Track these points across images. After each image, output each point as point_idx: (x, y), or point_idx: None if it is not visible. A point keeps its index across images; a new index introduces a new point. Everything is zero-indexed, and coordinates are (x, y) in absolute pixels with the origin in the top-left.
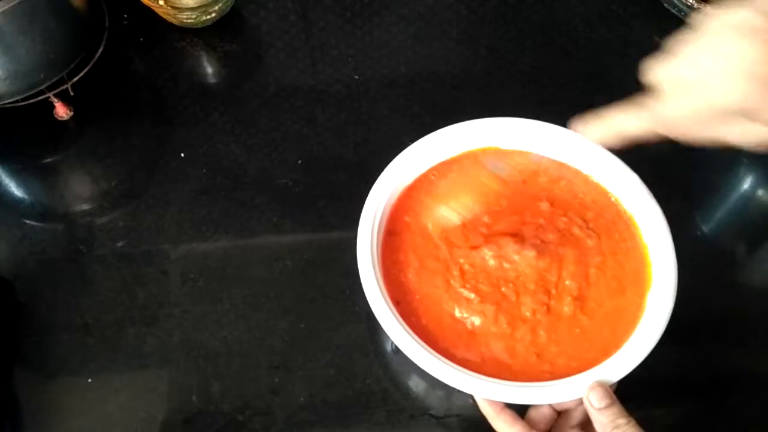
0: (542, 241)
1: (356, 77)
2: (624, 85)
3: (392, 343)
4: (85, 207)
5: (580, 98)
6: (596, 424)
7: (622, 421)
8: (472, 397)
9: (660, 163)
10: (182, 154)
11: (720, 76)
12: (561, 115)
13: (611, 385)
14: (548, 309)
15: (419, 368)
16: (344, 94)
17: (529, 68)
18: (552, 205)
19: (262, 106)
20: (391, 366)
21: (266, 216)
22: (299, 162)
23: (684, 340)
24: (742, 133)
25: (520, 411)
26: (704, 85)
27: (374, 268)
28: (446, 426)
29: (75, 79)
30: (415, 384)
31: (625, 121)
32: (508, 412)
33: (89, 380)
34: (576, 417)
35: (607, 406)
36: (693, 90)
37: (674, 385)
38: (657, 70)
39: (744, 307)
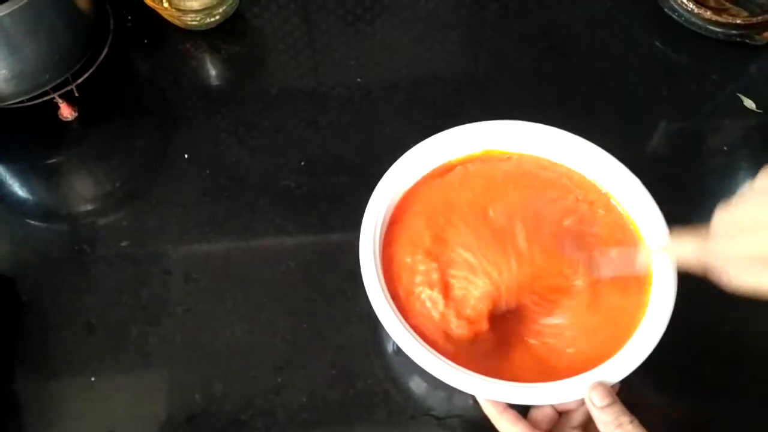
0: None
1: (358, 80)
2: (624, 88)
3: (394, 343)
4: (89, 207)
5: (580, 102)
6: (599, 424)
7: (625, 419)
8: (472, 397)
9: (660, 166)
10: (186, 156)
11: None
12: (561, 119)
13: (613, 386)
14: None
15: (420, 369)
16: (346, 97)
17: (530, 72)
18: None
19: (264, 108)
20: (393, 366)
21: (269, 217)
22: (302, 164)
23: (684, 343)
24: None
25: (522, 411)
26: (755, 233)
27: (376, 270)
28: (447, 427)
29: (80, 80)
30: (416, 384)
31: (682, 247)
32: (511, 412)
33: (92, 379)
34: (577, 418)
35: (609, 405)
36: (744, 235)
37: (674, 388)
38: (717, 215)
39: (743, 310)
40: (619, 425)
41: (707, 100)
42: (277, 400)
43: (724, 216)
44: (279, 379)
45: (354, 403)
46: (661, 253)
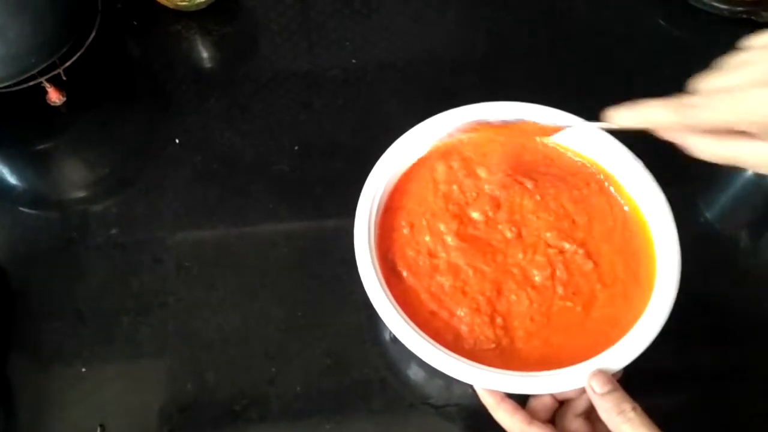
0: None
1: (353, 61)
2: (626, 67)
3: (390, 331)
4: (79, 194)
5: (581, 81)
6: (600, 411)
7: (627, 406)
8: (471, 386)
9: (662, 148)
10: (177, 141)
11: (755, 89)
12: (562, 99)
13: (615, 374)
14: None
15: (418, 357)
16: (341, 79)
17: (530, 51)
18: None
19: (258, 91)
20: (389, 354)
21: (262, 203)
22: (296, 148)
23: (687, 329)
24: (759, 154)
25: (521, 400)
26: (739, 97)
27: (371, 255)
28: (445, 415)
29: (67, 63)
30: (414, 373)
31: (657, 113)
32: (509, 402)
33: (83, 369)
34: (579, 406)
35: (609, 392)
36: (728, 99)
37: (677, 374)
38: (701, 81)
39: (748, 294)
40: (621, 412)
41: None
42: (271, 389)
43: (707, 83)
44: (273, 369)
45: (350, 392)
46: (630, 118)
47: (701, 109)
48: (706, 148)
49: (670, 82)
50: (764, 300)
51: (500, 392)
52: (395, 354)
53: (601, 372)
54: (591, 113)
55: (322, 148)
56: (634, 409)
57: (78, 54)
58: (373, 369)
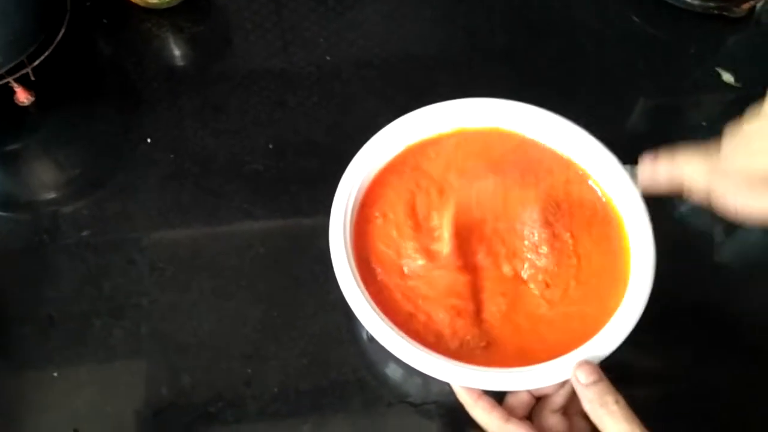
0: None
1: (328, 59)
2: (601, 63)
3: (368, 330)
4: (49, 196)
5: (556, 79)
6: (583, 402)
7: (610, 398)
8: (449, 384)
9: (638, 143)
10: (149, 140)
11: None
12: (537, 96)
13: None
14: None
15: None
16: (316, 77)
17: (505, 48)
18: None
19: (231, 90)
20: (367, 354)
21: (236, 203)
22: (270, 146)
23: (663, 322)
24: None
25: (498, 398)
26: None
27: (347, 254)
28: (424, 413)
29: (36, 62)
30: (392, 371)
31: (686, 167)
32: (486, 399)
33: (54, 374)
34: (556, 402)
35: (594, 383)
36: (755, 155)
37: (654, 367)
38: (727, 137)
39: (723, 287)
40: (604, 404)
41: (685, 75)
42: (247, 391)
43: (734, 137)
44: (249, 370)
45: (328, 392)
46: (667, 167)
47: (729, 161)
48: (741, 200)
49: (644, 79)
50: (738, 293)
51: (477, 390)
52: (373, 353)
53: (587, 362)
54: (565, 109)
55: (297, 146)
56: (617, 402)
57: (47, 53)
58: (351, 368)
